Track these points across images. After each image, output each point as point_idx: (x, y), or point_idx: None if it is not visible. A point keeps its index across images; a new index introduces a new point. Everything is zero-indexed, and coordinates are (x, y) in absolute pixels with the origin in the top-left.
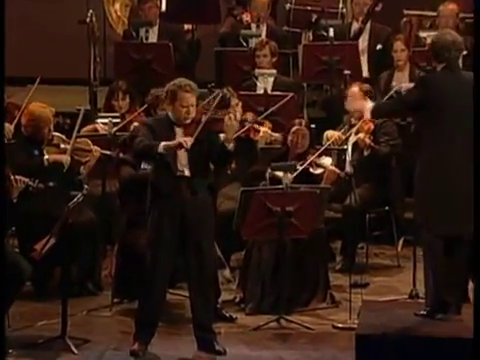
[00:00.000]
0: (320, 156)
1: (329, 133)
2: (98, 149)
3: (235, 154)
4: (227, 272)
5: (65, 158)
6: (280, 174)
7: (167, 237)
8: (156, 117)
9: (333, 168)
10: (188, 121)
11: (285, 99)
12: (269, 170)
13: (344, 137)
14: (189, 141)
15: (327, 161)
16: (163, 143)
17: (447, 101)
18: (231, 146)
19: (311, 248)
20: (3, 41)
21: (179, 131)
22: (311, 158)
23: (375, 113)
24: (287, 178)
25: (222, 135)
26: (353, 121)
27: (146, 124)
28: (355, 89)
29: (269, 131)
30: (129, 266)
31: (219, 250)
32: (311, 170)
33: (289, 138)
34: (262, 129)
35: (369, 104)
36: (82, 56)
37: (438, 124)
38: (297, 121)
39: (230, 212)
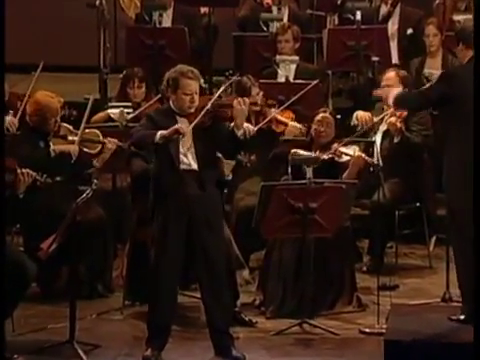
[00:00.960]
0: (346, 146)
1: (359, 113)
2: (114, 141)
3: (246, 143)
4: (246, 273)
5: (73, 148)
6: (304, 153)
7: (173, 236)
8: (159, 108)
9: (360, 153)
10: (192, 110)
11: (308, 87)
12: (292, 151)
13: (375, 119)
14: (186, 127)
15: (353, 148)
16: (160, 132)
17: (471, 96)
18: (241, 133)
19: (336, 247)
20: (3, 39)
21: (182, 121)
22: (336, 146)
23: (398, 102)
24: (310, 172)
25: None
26: (385, 109)
27: (147, 115)
28: (391, 74)
29: (293, 123)
30: (141, 266)
31: (238, 249)
32: (336, 159)
33: (313, 127)
34: (286, 120)
35: (394, 91)
36: (91, 42)
37: (463, 120)
38: (322, 109)
39: (250, 209)
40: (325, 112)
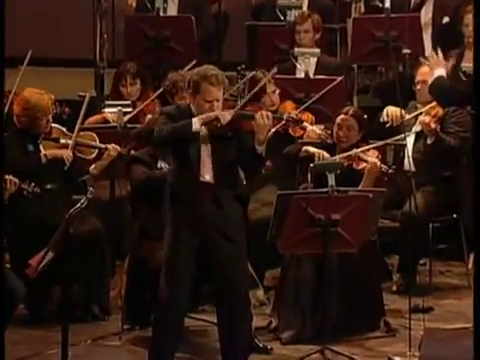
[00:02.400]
0: (367, 151)
1: (390, 109)
2: (116, 147)
3: (271, 153)
4: (260, 293)
5: (66, 153)
6: (314, 150)
7: (186, 253)
8: (177, 105)
9: (375, 160)
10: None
11: (332, 85)
12: (303, 149)
13: (407, 116)
14: (228, 115)
15: (371, 154)
16: (196, 118)
17: None
18: (262, 149)
19: (362, 264)
20: (3, 38)
21: (201, 128)
22: (355, 151)
23: (433, 90)
24: (332, 179)
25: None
26: (419, 107)
27: (164, 113)
28: (426, 69)
29: (313, 127)
30: (142, 285)
31: (251, 266)
32: (354, 166)
33: (334, 130)
34: (305, 124)
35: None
36: (86, 32)
37: None
38: (345, 109)
39: (264, 220)
40: (346, 113)
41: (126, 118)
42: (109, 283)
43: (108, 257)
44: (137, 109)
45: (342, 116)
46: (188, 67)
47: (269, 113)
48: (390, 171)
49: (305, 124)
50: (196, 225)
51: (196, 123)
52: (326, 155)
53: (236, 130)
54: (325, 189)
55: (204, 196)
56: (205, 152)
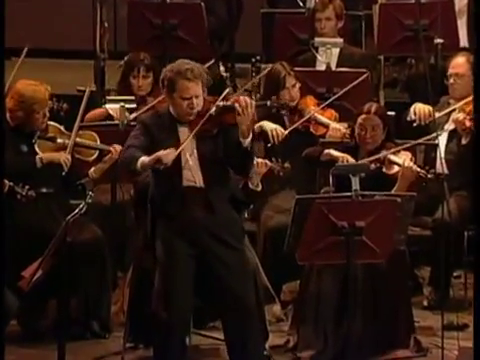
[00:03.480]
0: (398, 152)
1: (418, 106)
2: (119, 149)
3: (289, 153)
4: (277, 308)
5: (64, 157)
6: (337, 154)
7: (182, 266)
8: (155, 111)
9: (410, 164)
10: (192, 117)
11: (358, 80)
12: (324, 152)
13: (437, 114)
14: (171, 154)
15: (403, 157)
16: (141, 159)
17: None
18: (247, 143)
19: (389, 277)
20: (3, 38)
21: (183, 131)
22: (385, 153)
23: None
24: (357, 182)
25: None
26: (452, 103)
27: (141, 122)
28: (460, 60)
29: (336, 124)
30: (147, 300)
31: (267, 279)
32: (384, 170)
33: (356, 131)
34: (327, 121)
35: None
36: (85, 21)
37: None
38: (366, 107)
39: (281, 228)
40: (369, 111)
41: (133, 116)
42: (110, 297)
43: (109, 268)
44: (149, 105)
45: (364, 115)
46: (207, 65)
47: (248, 99)
48: (429, 176)
49: (327, 121)
50: (189, 234)
51: (138, 165)
52: (351, 160)
53: (220, 125)
54: (348, 193)
55: (193, 202)
56: (190, 154)
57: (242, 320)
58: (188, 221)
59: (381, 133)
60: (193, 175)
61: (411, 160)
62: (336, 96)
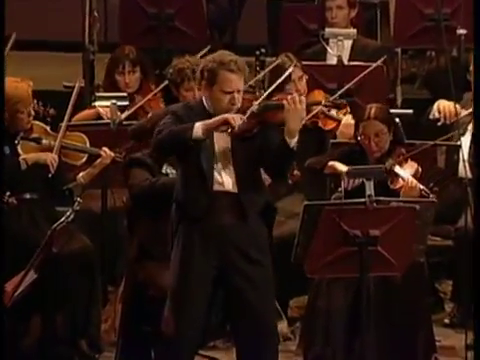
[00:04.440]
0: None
1: (442, 103)
2: (110, 154)
3: (296, 153)
4: (284, 325)
5: (50, 157)
6: (342, 167)
7: (200, 284)
8: (186, 103)
9: (413, 181)
10: (232, 113)
11: (368, 70)
12: (328, 164)
13: (464, 113)
14: (239, 118)
15: (408, 170)
16: (200, 123)
17: None
18: (294, 143)
19: (407, 291)
20: (3, 37)
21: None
22: (389, 163)
23: None
24: (371, 187)
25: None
26: None
27: (171, 111)
28: None
29: (347, 120)
30: (141, 317)
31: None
32: (389, 183)
33: (359, 138)
34: (337, 116)
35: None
36: (73, 10)
37: None
38: (366, 112)
39: (287, 237)
40: (368, 118)
41: (123, 116)
42: (100, 314)
43: (99, 282)
44: (137, 105)
45: (365, 122)
46: (201, 54)
47: (302, 97)
48: (432, 197)
49: (338, 115)
50: (213, 246)
51: (198, 130)
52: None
53: (262, 124)
54: (362, 199)
55: (223, 209)
56: (223, 154)
57: (261, 341)
58: (213, 228)
59: (387, 138)
60: (224, 179)
61: (417, 172)
62: (345, 88)
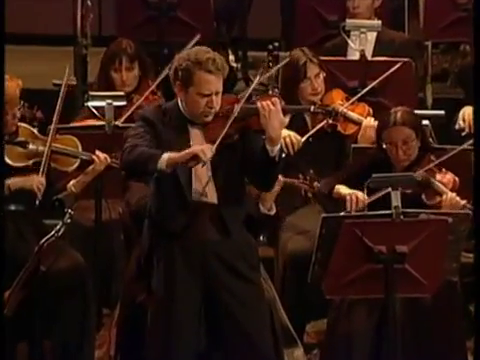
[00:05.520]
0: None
1: (468, 111)
2: (104, 158)
3: (313, 158)
4: (299, 353)
5: (36, 182)
6: (346, 191)
7: (184, 301)
8: (159, 105)
9: (451, 195)
10: (209, 118)
11: (394, 68)
12: (335, 189)
13: None
14: (209, 151)
15: (446, 181)
16: (167, 155)
17: None
18: (276, 151)
19: (438, 314)
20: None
21: (195, 133)
22: (421, 173)
23: None
24: (398, 197)
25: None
26: None
27: (141, 117)
28: None
29: (370, 122)
30: (138, 342)
31: (287, 317)
32: (423, 197)
33: (383, 145)
34: (358, 118)
35: None
36: (65, 1)
37: None
38: (391, 118)
39: (304, 254)
40: (394, 123)
41: (121, 120)
42: (94, 339)
43: (92, 304)
44: (135, 105)
45: (390, 129)
46: (190, 45)
47: (275, 98)
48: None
49: (358, 117)
50: (195, 260)
51: (163, 162)
52: (360, 197)
53: (243, 130)
54: (388, 211)
55: (203, 221)
56: (200, 165)
57: None
58: (195, 244)
59: (415, 145)
60: (205, 188)
61: (455, 184)
62: (369, 87)
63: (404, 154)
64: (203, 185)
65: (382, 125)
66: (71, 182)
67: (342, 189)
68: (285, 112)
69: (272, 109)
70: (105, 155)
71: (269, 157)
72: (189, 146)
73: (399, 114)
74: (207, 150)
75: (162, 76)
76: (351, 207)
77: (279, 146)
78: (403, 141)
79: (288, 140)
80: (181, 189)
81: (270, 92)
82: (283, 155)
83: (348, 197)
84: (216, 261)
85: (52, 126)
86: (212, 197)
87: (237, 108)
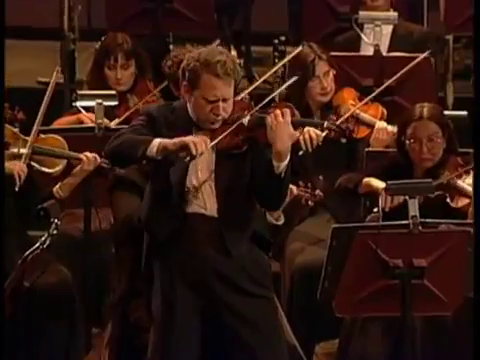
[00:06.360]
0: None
1: None
2: (93, 157)
3: (322, 164)
4: None
5: (18, 167)
6: (379, 184)
7: (183, 324)
8: (171, 104)
9: None
10: (216, 125)
11: (412, 64)
12: (364, 181)
13: None
14: (202, 144)
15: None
16: (158, 140)
17: None
18: (282, 167)
19: (459, 334)
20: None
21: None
22: (446, 176)
23: None
24: (415, 207)
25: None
26: None
27: (148, 114)
28: None
29: (383, 124)
30: None
31: (294, 336)
32: (448, 201)
33: (406, 142)
34: (371, 119)
35: None
36: None
37: None
38: (416, 111)
39: (312, 268)
40: (420, 117)
41: (114, 122)
42: None
43: (81, 323)
44: (132, 109)
45: (416, 123)
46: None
47: (285, 109)
48: None
49: (371, 119)
50: (196, 283)
51: (154, 147)
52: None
53: (251, 141)
54: (405, 221)
55: (201, 236)
56: (206, 169)
57: None
58: (194, 260)
59: (442, 144)
60: (205, 200)
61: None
62: (384, 86)
63: (429, 152)
64: (203, 196)
65: (405, 120)
66: (57, 185)
67: (374, 181)
68: (296, 125)
69: (280, 121)
70: (95, 155)
71: (274, 174)
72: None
73: (426, 109)
74: (200, 143)
75: (163, 85)
76: (385, 204)
77: (286, 162)
78: (429, 137)
79: (307, 136)
80: (176, 198)
81: (275, 91)
82: (300, 152)
83: (381, 190)
84: (216, 279)
85: (35, 126)
86: (212, 210)
87: (246, 116)
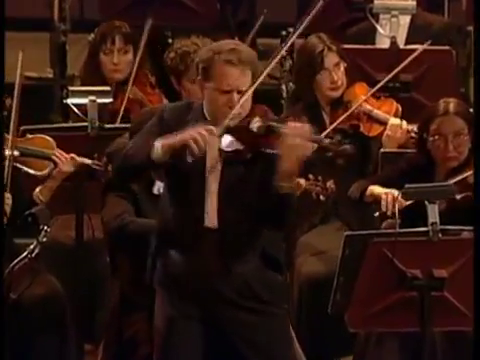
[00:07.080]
0: None
1: None
2: (70, 158)
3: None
4: None
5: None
6: (382, 191)
7: (188, 332)
8: (189, 103)
9: None
10: (234, 122)
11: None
12: (368, 189)
13: None
14: (203, 137)
15: None
16: (159, 142)
17: None
18: (289, 188)
19: None
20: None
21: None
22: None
23: None
24: (435, 213)
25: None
26: None
27: (158, 115)
28: None
29: (397, 121)
30: None
31: (303, 353)
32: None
33: (430, 139)
34: (384, 116)
35: None
36: None
37: None
38: (441, 106)
39: (322, 279)
40: (446, 112)
41: (110, 125)
42: None
43: (72, 339)
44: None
45: (441, 118)
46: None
47: (307, 125)
48: None
49: (384, 115)
50: (198, 301)
51: (158, 148)
52: (397, 196)
53: (260, 149)
54: (423, 229)
55: (202, 250)
56: (213, 177)
57: None
58: (194, 277)
59: (467, 143)
60: (207, 210)
61: None
62: (393, 72)
63: (455, 150)
64: (208, 207)
65: (429, 115)
66: (37, 189)
67: (376, 189)
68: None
69: (300, 131)
70: (72, 155)
71: (278, 195)
72: (205, 153)
73: (452, 104)
74: (200, 138)
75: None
76: (387, 207)
77: (293, 185)
78: (455, 133)
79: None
80: (195, 210)
81: (283, 87)
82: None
83: (383, 196)
84: (219, 299)
85: (11, 125)
86: (212, 221)
87: (257, 121)
